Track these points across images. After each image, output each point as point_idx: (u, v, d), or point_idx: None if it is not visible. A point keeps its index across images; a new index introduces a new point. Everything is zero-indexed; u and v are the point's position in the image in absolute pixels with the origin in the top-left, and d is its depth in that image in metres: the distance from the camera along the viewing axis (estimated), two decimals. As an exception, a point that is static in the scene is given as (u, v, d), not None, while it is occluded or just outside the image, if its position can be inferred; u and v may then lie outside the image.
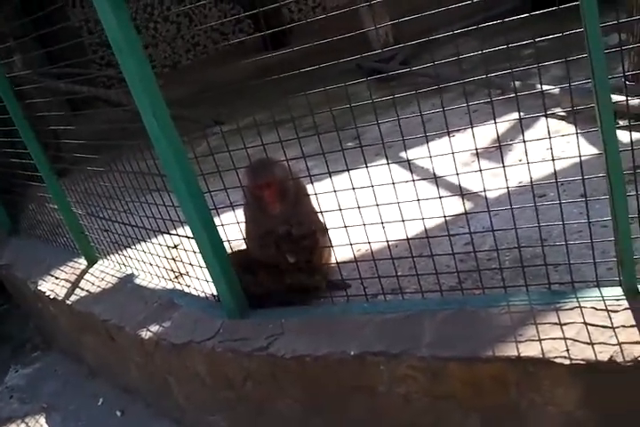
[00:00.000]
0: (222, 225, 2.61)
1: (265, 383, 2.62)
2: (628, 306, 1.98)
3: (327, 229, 2.69)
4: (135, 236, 3.28)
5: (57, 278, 4.11)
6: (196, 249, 2.67)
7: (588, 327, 1.96)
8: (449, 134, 2.17)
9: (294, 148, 2.46)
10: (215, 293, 2.81)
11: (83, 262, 4.05)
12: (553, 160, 2.04)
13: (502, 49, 1.95)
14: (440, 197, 2.26)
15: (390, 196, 2.33)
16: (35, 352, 4.86)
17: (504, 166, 2.09)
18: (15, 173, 4.44)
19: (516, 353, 1.98)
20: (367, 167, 2.31)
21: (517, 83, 3.90)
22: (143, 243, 3.28)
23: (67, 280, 3.99)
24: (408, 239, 2.41)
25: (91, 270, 3.94)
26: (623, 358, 1.84)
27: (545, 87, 3.81)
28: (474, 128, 2.14)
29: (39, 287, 4.18)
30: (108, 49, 2.33)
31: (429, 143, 2.25)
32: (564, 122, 3.84)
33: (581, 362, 1.89)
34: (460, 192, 2.31)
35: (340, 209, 2.38)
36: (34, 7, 5.15)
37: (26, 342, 5.04)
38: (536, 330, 2.02)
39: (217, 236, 2.59)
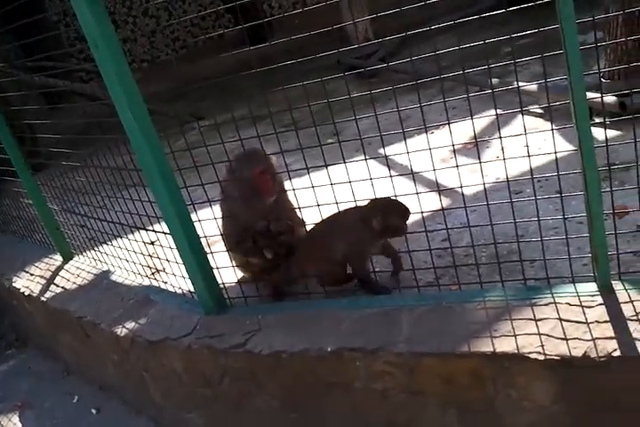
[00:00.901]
0: (199, 221, 2.58)
1: (242, 380, 2.61)
2: (602, 302, 2.00)
3: (305, 225, 2.69)
4: (111, 232, 3.24)
5: (32, 275, 4.06)
6: (173, 245, 2.64)
7: (563, 323, 1.97)
8: (427, 131, 2.17)
9: (273, 143, 2.44)
10: (192, 289, 2.78)
11: (58, 259, 4.00)
12: (529, 156, 2.05)
13: (481, 46, 1.96)
14: (417, 193, 2.26)
15: (369, 192, 2.32)
16: (9, 350, 4.79)
17: (480, 163, 2.10)
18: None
19: (491, 349, 1.99)
20: (346, 163, 2.30)
21: (495, 80, 3.92)
22: (120, 239, 3.24)
23: (42, 277, 3.94)
24: (385, 235, 2.42)
25: (66, 267, 3.89)
26: (597, 353, 1.86)
27: (522, 84, 3.85)
28: (452, 125, 2.15)
29: (14, 284, 4.12)
30: (85, 43, 2.30)
31: (409, 140, 2.25)
32: (541, 119, 3.87)
33: (556, 357, 1.90)
34: (438, 188, 2.31)
35: (319, 205, 2.38)
36: (9, -1, 5.07)
37: (0, 339, 4.96)
38: (511, 326, 2.03)
39: (194, 232, 2.57)
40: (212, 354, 2.61)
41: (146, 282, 3.23)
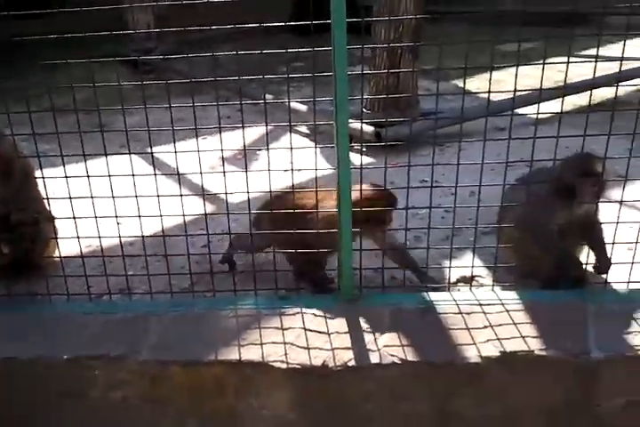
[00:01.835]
0: None
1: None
2: (343, 313, 2.14)
3: (54, 219, 2.45)
4: None
5: None
6: None
7: (307, 333, 2.06)
8: (197, 135, 2.13)
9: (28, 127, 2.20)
10: None
11: None
12: (292, 171, 2.12)
13: (259, 60, 1.97)
14: (181, 195, 2.21)
15: (129, 189, 2.20)
16: None
17: (247, 171, 2.12)
18: None
19: (237, 357, 2.00)
20: (107, 156, 2.16)
21: (270, 96, 4.03)
22: None
23: None
24: (143, 237, 2.31)
25: None
26: (334, 362, 1.97)
27: (293, 104, 4.02)
28: (224, 133, 2.14)
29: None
30: None
31: (180, 142, 2.18)
32: (307, 139, 4.07)
33: (297, 366, 1.97)
34: (203, 193, 2.28)
35: (71, 198, 2.19)
36: None
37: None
38: (259, 334, 2.07)
39: None
40: None
41: None
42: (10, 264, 2.41)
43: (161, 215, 2.21)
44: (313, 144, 2.24)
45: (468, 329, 2.06)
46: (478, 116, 2.71)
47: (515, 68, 2.07)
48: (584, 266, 2.36)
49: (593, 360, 1.93)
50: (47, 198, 2.30)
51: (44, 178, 2.23)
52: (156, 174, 2.19)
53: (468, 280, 2.44)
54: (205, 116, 2.10)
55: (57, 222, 2.47)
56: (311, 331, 2.07)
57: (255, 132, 3.88)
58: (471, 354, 1.97)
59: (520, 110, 3.77)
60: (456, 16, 5.89)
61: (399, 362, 1.95)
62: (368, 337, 2.05)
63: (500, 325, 2.07)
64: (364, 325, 2.10)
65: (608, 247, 2.26)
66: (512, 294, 2.23)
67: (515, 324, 2.07)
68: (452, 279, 2.48)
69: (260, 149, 3.26)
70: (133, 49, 6.05)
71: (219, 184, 2.22)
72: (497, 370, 1.97)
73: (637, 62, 4.18)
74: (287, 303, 2.20)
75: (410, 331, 2.07)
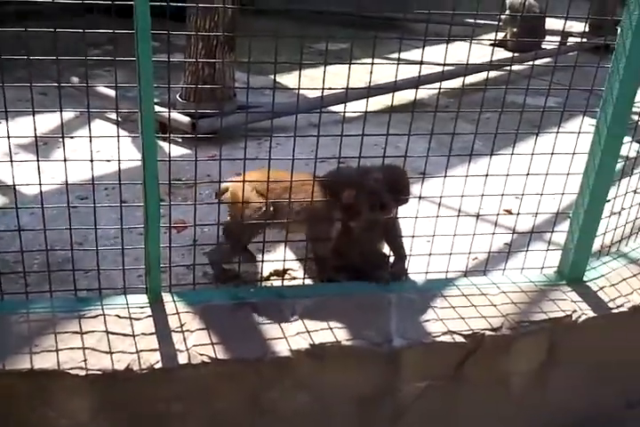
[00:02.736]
0: None
1: None
2: (150, 313, 2.03)
3: None
4: None
5: None
6: None
7: (110, 336, 1.93)
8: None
9: None
10: None
11: None
12: (92, 161, 1.96)
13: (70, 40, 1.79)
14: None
15: None
16: None
17: (38, 160, 1.92)
18: None
19: (28, 366, 1.81)
20: None
21: (76, 79, 3.74)
22: None
23: None
24: None
25: None
26: (140, 365, 1.86)
27: (104, 90, 3.77)
28: (26, 117, 1.91)
29: None
30: None
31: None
32: (117, 127, 3.83)
33: (98, 372, 1.84)
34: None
35: None
36: None
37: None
38: (55, 340, 1.89)
39: None
40: None
41: None
42: None
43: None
44: (122, 133, 2.10)
45: (279, 323, 2.06)
46: (292, 111, 2.73)
47: (331, 66, 2.11)
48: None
49: (395, 348, 2.03)
50: None
51: None
52: None
53: (281, 274, 2.45)
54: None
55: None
56: (114, 334, 1.94)
57: (63, 117, 3.57)
58: (281, 348, 1.97)
59: (332, 108, 3.89)
60: (285, 12, 5.92)
61: (209, 361, 1.90)
62: (177, 337, 1.96)
63: (309, 317, 2.10)
64: (172, 324, 2.01)
65: (408, 241, 2.39)
66: (321, 287, 2.28)
67: (323, 316, 2.11)
68: (265, 273, 2.47)
69: (61, 137, 2.99)
70: None
71: (17, 174, 2.00)
72: (307, 362, 2.00)
73: (438, 67, 4.51)
74: (87, 305, 2.04)
75: (221, 328, 2.02)
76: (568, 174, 2.32)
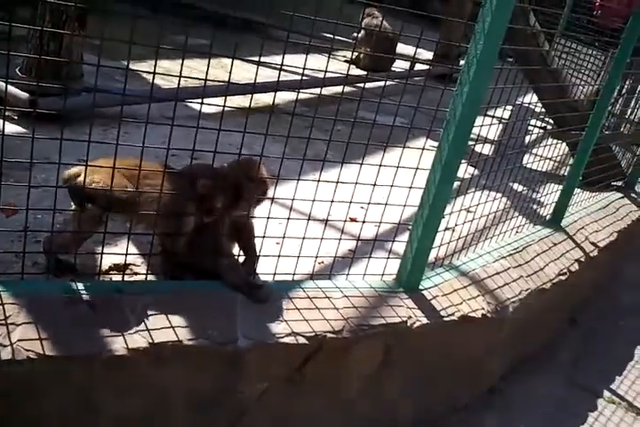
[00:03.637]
0: None
1: None
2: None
3: None
4: None
5: None
6: None
7: None
8: None
9: None
10: None
11: None
12: None
13: None
14: None
15: None
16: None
17: None
18: None
19: None
20: None
21: None
22: None
23: None
24: None
25: None
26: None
27: None
28: None
29: None
30: None
31: None
32: None
33: None
34: None
35: None
36: None
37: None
38: None
39: None
40: None
41: None
42: None
43: None
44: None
45: (117, 320, 1.94)
46: (144, 99, 2.61)
47: (188, 60, 2.04)
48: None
49: (239, 348, 2.00)
50: None
51: None
52: None
53: (122, 268, 2.31)
54: None
55: None
56: None
57: None
58: (117, 346, 1.86)
59: (188, 103, 3.79)
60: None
61: (35, 357, 1.73)
62: (0, 330, 1.77)
63: (150, 315, 2.00)
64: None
65: (258, 243, 2.38)
66: (165, 284, 2.19)
67: (166, 314, 2.02)
68: (105, 267, 2.32)
69: None
70: None
71: None
72: (145, 362, 1.90)
73: (295, 76, 4.58)
74: None
75: (51, 323, 1.86)
76: (410, 188, 2.45)
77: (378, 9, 6.70)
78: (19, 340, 1.75)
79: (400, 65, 7.12)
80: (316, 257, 2.48)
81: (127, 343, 1.87)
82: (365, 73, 6.09)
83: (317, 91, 2.34)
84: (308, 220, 2.43)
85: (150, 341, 1.90)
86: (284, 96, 4.81)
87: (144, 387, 1.94)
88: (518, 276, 2.99)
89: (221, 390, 2.06)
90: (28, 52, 3.45)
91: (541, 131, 5.26)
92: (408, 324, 2.35)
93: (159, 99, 3.47)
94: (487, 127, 2.64)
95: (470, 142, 2.49)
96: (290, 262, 2.41)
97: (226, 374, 2.04)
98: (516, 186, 3.72)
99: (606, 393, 3.34)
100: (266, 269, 2.38)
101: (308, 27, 2.15)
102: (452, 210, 2.69)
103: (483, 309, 2.62)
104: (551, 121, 5.15)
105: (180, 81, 2.06)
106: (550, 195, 3.70)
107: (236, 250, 2.44)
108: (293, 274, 2.40)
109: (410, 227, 2.55)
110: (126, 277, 2.25)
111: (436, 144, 2.39)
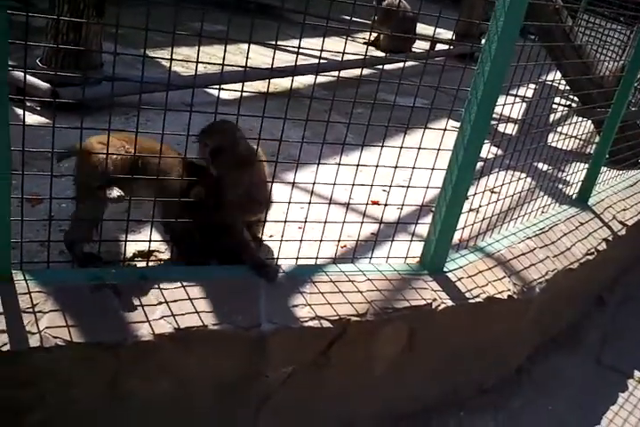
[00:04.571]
0: None
1: None
2: (-3, 293, 1.85)
3: None
4: None
5: None
6: None
7: None
8: None
9: None
10: None
11: None
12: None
13: None
14: None
15: None
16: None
17: None
18: None
19: None
20: None
21: None
22: None
23: None
24: None
25: None
26: None
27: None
28: None
29: None
30: None
31: None
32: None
33: None
34: None
35: None
36: None
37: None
38: None
39: None
40: None
41: None
42: None
43: None
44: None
45: (142, 306, 1.96)
46: (163, 86, 2.61)
47: (206, 46, 2.03)
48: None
49: (263, 333, 2.01)
50: None
51: None
52: None
53: (146, 255, 2.33)
54: None
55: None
56: None
57: None
58: (143, 332, 1.88)
59: (207, 91, 3.79)
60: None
61: (63, 344, 1.76)
62: (28, 318, 1.80)
63: (175, 301, 2.01)
64: (23, 305, 1.84)
65: (280, 226, 2.37)
66: (188, 270, 2.20)
67: (190, 299, 2.03)
68: (129, 254, 2.34)
69: None
70: None
71: None
72: (171, 347, 1.92)
73: (313, 60, 4.55)
74: None
75: (77, 310, 1.88)
76: (433, 169, 2.42)
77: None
78: (46, 327, 1.78)
79: (420, 46, 7.04)
80: (339, 241, 2.47)
81: (153, 329, 1.89)
82: (385, 55, 6.02)
83: (336, 74, 2.30)
84: (330, 204, 2.42)
85: (176, 326, 1.92)
86: (304, 80, 4.78)
87: (170, 372, 1.96)
88: (545, 256, 2.95)
89: (246, 375, 2.08)
90: (48, 42, 3.47)
91: (566, 109, 5.16)
92: (433, 306, 2.34)
93: (178, 86, 3.48)
94: (510, 106, 2.59)
95: (493, 122, 2.44)
96: (312, 247, 2.40)
97: (251, 358, 2.05)
98: (540, 165, 3.67)
99: (636, 373, 3.30)
100: (288, 254, 2.38)
101: (327, 9, 2.12)
102: (476, 191, 2.66)
103: (509, 290, 2.59)
104: (576, 98, 5.05)
105: (197, 67, 2.05)
106: (576, 174, 3.63)
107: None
108: (316, 258, 2.40)
109: (433, 209, 2.53)
110: (151, 264, 2.27)
111: (457, 125, 2.35)
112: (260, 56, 4.48)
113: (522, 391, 3.00)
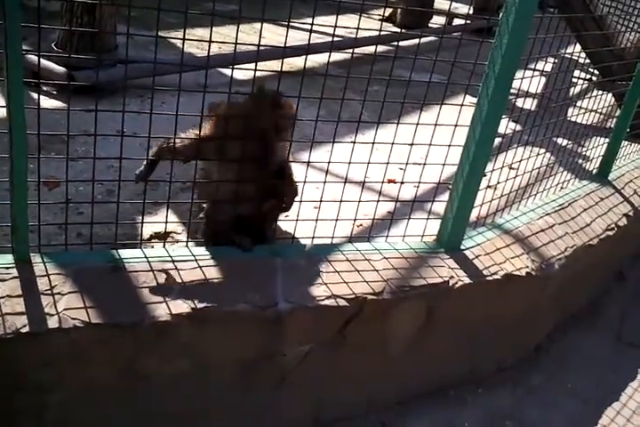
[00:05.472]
0: None
1: None
2: (16, 275, 1.87)
3: None
4: None
5: None
6: None
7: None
8: None
9: None
10: None
11: None
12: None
13: None
14: None
15: None
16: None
17: None
18: None
19: None
20: None
21: None
22: None
23: None
24: None
25: None
26: (5, 330, 1.71)
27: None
28: None
29: None
30: None
31: None
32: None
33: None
34: None
35: None
36: None
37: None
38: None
39: None
40: None
41: None
42: None
43: None
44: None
45: (159, 287, 1.98)
46: (176, 68, 2.59)
47: (220, 27, 2.00)
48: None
49: (280, 312, 2.02)
50: None
51: None
52: None
53: (162, 236, 2.35)
54: None
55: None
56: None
57: None
58: (161, 312, 1.89)
59: (223, 70, 3.77)
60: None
61: (81, 325, 1.78)
62: (46, 300, 1.82)
63: (192, 281, 2.03)
64: (42, 287, 1.86)
65: (296, 206, 2.37)
66: (206, 251, 2.21)
67: (207, 279, 2.05)
68: (146, 235, 2.36)
69: None
70: None
71: None
72: (188, 327, 1.93)
73: (327, 38, 4.50)
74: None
75: (95, 291, 1.90)
76: (450, 146, 2.39)
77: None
78: (65, 309, 1.80)
79: (438, 21, 6.92)
80: (355, 220, 2.46)
81: (170, 309, 1.91)
82: (400, 31, 5.93)
83: (351, 51, 2.27)
84: (345, 182, 2.41)
85: (193, 306, 1.93)
86: (319, 59, 4.73)
87: (188, 352, 1.98)
88: (564, 232, 2.91)
89: (264, 354, 2.09)
90: (63, 26, 3.47)
91: (586, 82, 5.05)
92: (450, 284, 2.32)
93: (191, 67, 3.46)
94: (528, 80, 2.54)
95: (511, 97, 2.40)
96: (328, 226, 2.40)
97: (268, 337, 2.07)
98: (560, 140, 3.61)
99: (657, 350, 3.28)
100: (304, 234, 2.37)
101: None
102: (494, 167, 2.63)
103: (527, 267, 2.57)
104: (596, 71, 4.94)
105: (210, 47, 2.03)
106: (596, 148, 3.56)
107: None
108: (332, 237, 2.39)
109: (450, 186, 2.50)
110: (167, 245, 2.29)
111: (474, 100, 2.31)
112: (276, 36, 4.44)
113: (540, 368, 2.99)
